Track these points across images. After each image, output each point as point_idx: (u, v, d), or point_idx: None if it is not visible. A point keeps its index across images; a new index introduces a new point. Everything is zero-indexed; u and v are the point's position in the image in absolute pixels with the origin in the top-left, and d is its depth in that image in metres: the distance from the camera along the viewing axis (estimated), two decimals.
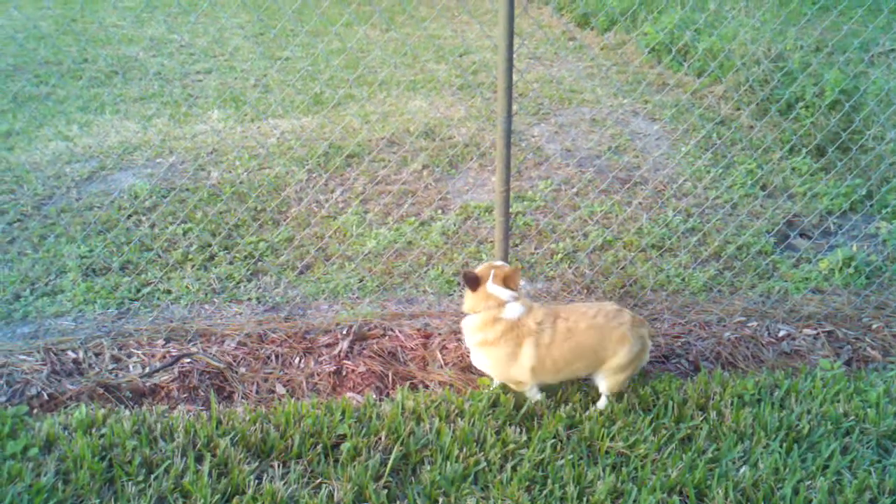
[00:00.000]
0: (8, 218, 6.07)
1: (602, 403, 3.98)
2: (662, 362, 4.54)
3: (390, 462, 3.50)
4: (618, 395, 4.00)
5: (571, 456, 3.59)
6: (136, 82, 10.07)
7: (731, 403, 3.99)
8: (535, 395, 4.00)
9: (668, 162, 7.40)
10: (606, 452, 3.65)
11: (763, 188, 6.80)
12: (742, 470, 3.54)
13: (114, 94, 9.55)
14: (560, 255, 5.62)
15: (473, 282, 3.92)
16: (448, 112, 8.79)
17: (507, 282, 3.90)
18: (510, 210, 4.56)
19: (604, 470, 3.52)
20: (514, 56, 4.12)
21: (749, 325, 4.89)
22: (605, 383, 3.96)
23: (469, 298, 3.96)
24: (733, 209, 6.42)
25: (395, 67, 10.90)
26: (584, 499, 3.37)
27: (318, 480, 3.43)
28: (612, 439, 3.70)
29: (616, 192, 6.64)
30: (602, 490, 3.37)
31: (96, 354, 4.41)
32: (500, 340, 3.83)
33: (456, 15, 14.69)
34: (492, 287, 3.88)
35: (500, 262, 4.09)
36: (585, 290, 5.20)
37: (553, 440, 3.68)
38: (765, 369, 4.46)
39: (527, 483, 3.43)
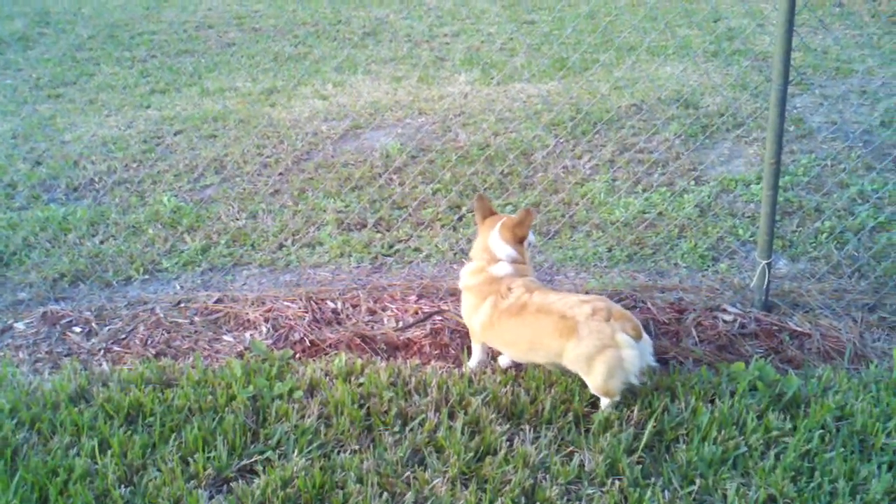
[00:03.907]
0: (275, 171, 6.43)
1: (603, 406, 3.59)
2: None
3: (644, 437, 3.38)
4: (612, 403, 3.57)
5: (843, 449, 3.32)
6: (387, 44, 10.39)
7: None
8: (472, 361, 3.99)
9: None
10: (881, 449, 3.36)
11: None
12: None
13: (366, 55, 9.89)
14: (825, 235, 5.21)
15: (483, 209, 3.97)
16: (701, 80, 8.40)
17: (516, 229, 3.81)
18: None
19: (879, 468, 3.24)
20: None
21: None
22: (586, 381, 3.57)
23: (475, 244, 3.97)
24: None
25: (644, 33, 10.57)
26: (858, 497, 3.11)
27: (570, 449, 3.37)
28: (888, 435, 3.40)
29: (890, 171, 6.08)
30: (878, 489, 3.10)
31: (353, 306, 4.57)
32: (475, 288, 3.81)
33: None
34: (493, 241, 3.83)
35: (514, 216, 3.93)
36: (856, 274, 4.79)
37: (821, 430, 3.42)
38: None
39: (792, 473, 3.21)
